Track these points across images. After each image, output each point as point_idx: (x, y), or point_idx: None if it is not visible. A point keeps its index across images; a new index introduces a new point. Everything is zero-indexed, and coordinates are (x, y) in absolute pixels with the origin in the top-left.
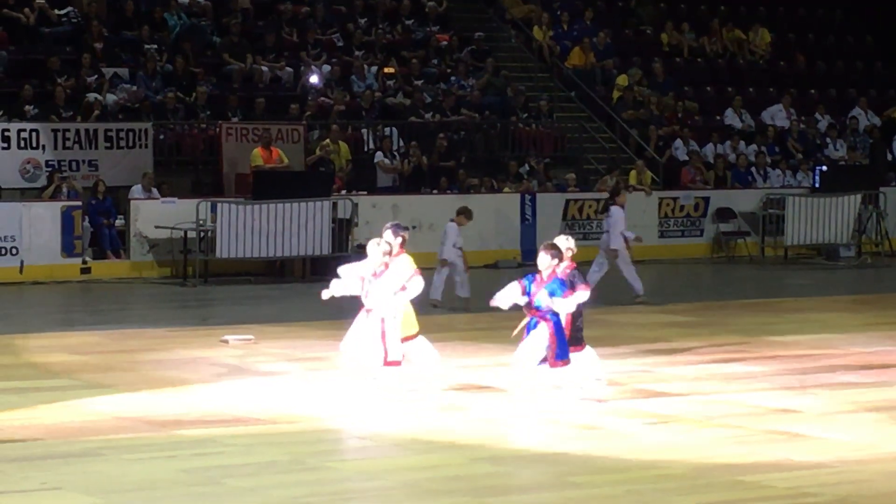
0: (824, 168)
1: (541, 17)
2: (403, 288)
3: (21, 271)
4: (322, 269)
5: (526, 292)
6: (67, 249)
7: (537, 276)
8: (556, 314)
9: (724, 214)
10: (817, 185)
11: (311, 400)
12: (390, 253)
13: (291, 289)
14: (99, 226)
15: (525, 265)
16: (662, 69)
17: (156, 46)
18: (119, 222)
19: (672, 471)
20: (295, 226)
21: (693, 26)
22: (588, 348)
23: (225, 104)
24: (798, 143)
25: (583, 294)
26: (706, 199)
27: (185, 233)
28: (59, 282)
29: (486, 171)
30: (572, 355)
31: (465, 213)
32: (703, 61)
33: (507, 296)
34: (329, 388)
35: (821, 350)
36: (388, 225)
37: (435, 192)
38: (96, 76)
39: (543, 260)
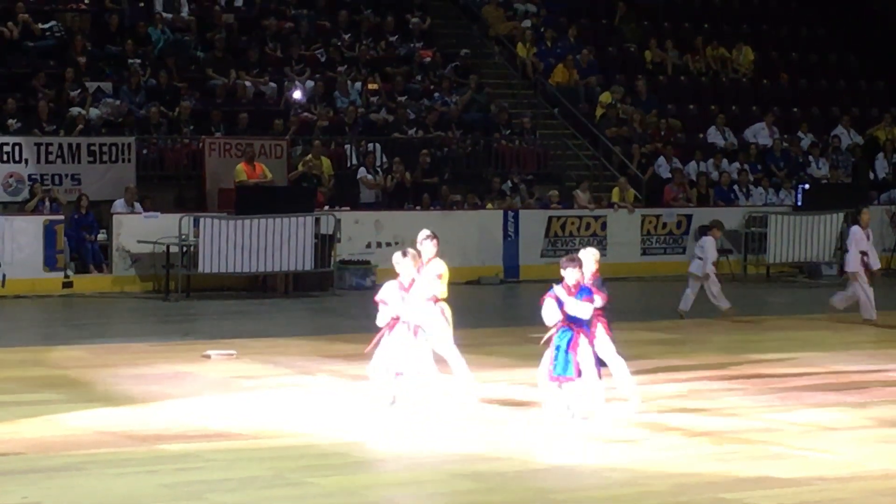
0: (807, 186)
1: (524, 34)
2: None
3: (3, 285)
4: (304, 285)
5: (559, 304)
6: (49, 263)
7: (565, 287)
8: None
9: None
10: (800, 204)
11: (294, 415)
12: (419, 259)
13: (274, 304)
14: (81, 240)
15: (507, 282)
16: (646, 87)
17: (139, 61)
18: (101, 236)
19: (653, 488)
20: (277, 241)
21: (676, 44)
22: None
23: (208, 119)
24: (780, 161)
25: (597, 300)
26: (689, 217)
27: (168, 247)
28: (41, 296)
29: (469, 188)
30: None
31: (718, 226)
32: (687, 79)
33: (552, 313)
34: (311, 403)
35: (802, 368)
36: (425, 235)
37: (418, 208)
38: (80, 90)
39: (572, 275)
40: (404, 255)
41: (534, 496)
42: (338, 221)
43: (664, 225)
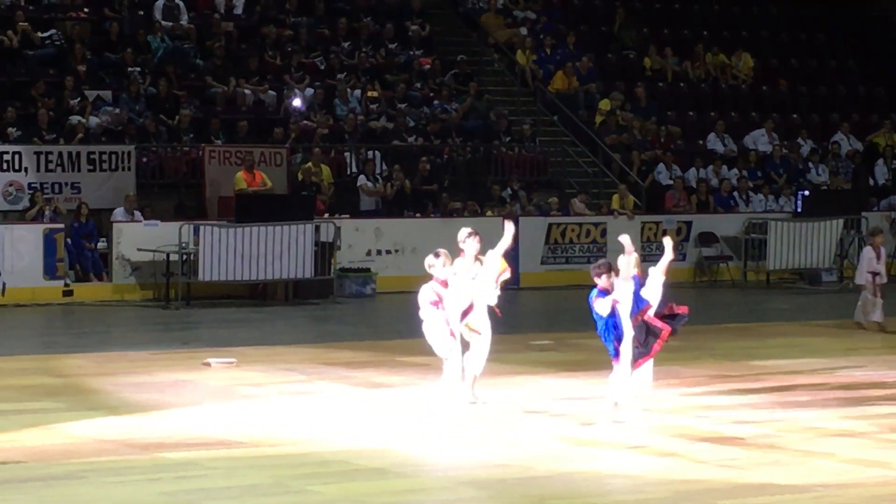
0: (807, 193)
1: (524, 41)
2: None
3: (3, 294)
4: (304, 293)
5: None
6: (50, 272)
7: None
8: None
9: (707, 239)
10: (800, 210)
11: (294, 423)
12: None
13: (274, 312)
14: (81, 248)
15: (507, 289)
16: (645, 94)
17: (139, 69)
18: (101, 245)
19: (654, 494)
20: (277, 249)
21: (676, 51)
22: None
23: (208, 127)
24: (780, 168)
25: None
26: (689, 224)
27: (168, 255)
28: (41, 304)
29: (468, 195)
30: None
31: (877, 232)
32: (686, 86)
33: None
34: (312, 411)
35: (803, 374)
36: (468, 233)
37: (418, 215)
38: (79, 99)
39: (605, 282)
40: (436, 255)
41: (533, 503)
42: (338, 229)
43: (664, 232)
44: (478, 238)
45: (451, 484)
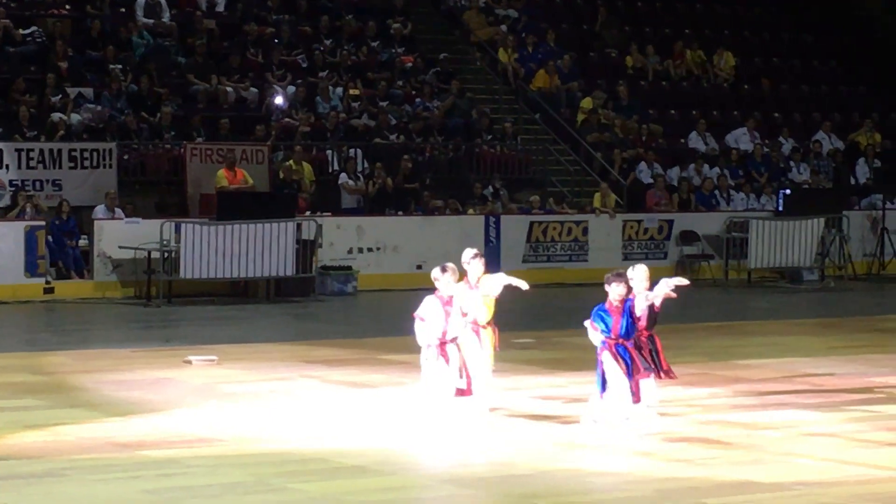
0: (788, 191)
1: (506, 39)
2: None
3: None
4: (286, 291)
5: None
6: (31, 269)
7: (609, 305)
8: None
9: (688, 237)
10: (781, 209)
11: (275, 421)
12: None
13: (255, 310)
14: (62, 246)
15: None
16: (627, 92)
17: (120, 66)
18: (83, 242)
19: (635, 493)
20: (259, 247)
21: (658, 50)
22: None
23: (189, 125)
24: (762, 166)
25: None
26: (670, 222)
27: (149, 253)
28: (22, 302)
29: (450, 193)
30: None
31: None
32: (668, 84)
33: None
34: (293, 409)
35: (784, 373)
36: (472, 254)
37: (400, 213)
38: (61, 96)
39: (616, 291)
40: (443, 270)
41: (515, 501)
42: (319, 227)
43: (646, 230)
44: (483, 261)
45: (432, 482)
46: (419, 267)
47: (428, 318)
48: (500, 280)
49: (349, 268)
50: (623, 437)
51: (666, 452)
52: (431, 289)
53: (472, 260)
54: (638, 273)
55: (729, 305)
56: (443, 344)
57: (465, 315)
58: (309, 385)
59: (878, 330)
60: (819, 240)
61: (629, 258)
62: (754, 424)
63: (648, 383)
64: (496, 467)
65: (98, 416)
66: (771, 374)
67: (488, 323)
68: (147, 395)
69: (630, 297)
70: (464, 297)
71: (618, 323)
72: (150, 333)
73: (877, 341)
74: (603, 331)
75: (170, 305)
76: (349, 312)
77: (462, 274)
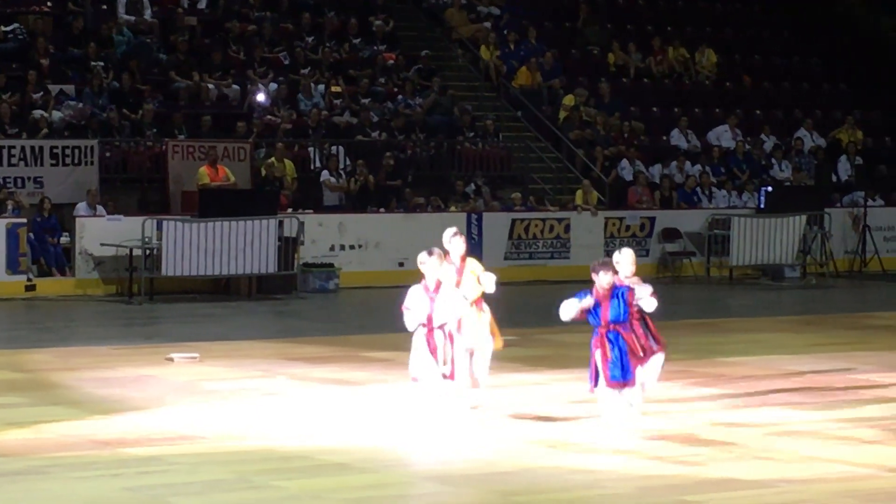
0: (770, 189)
1: (487, 36)
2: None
3: None
4: (268, 288)
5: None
6: (12, 266)
7: (595, 293)
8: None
9: (670, 235)
10: (763, 206)
11: (257, 418)
12: (445, 258)
13: (237, 307)
14: (44, 243)
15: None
16: (609, 89)
17: (102, 63)
18: (64, 239)
19: (616, 490)
20: (241, 244)
21: (639, 47)
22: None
23: (171, 122)
24: (743, 164)
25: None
26: (652, 220)
27: (131, 250)
28: (4, 299)
29: (432, 190)
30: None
31: None
32: (650, 82)
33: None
34: (275, 406)
35: (766, 370)
36: (453, 232)
37: (381, 210)
38: (42, 93)
39: (605, 279)
40: (430, 254)
41: (495, 498)
42: (301, 224)
43: (628, 227)
44: (463, 238)
45: (413, 479)
46: (401, 264)
47: (413, 307)
48: (492, 279)
49: (331, 265)
50: (605, 434)
51: (647, 450)
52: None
53: (452, 238)
54: (625, 257)
55: (711, 303)
56: (430, 331)
57: (466, 299)
58: (290, 383)
59: (860, 327)
60: (801, 237)
61: (611, 255)
62: (735, 422)
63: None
64: (478, 465)
65: (79, 414)
66: (752, 371)
67: (476, 301)
68: (129, 392)
69: (619, 284)
70: (451, 278)
71: (606, 310)
72: (132, 331)
73: (858, 338)
74: (595, 321)
75: (152, 303)
76: (331, 310)
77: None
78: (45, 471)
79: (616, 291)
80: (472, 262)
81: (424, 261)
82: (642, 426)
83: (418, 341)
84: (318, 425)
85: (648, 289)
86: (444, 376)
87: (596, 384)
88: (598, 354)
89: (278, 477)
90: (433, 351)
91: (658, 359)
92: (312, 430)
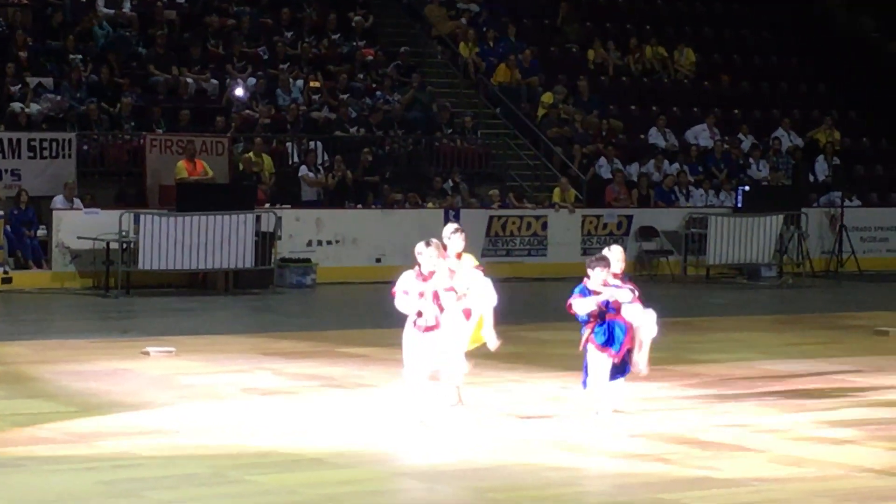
0: (747, 188)
1: (467, 33)
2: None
3: None
4: (245, 282)
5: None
6: None
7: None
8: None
9: (647, 233)
10: (740, 205)
11: (233, 413)
12: (443, 250)
13: (214, 301)
14: (21, 236)
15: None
16: (587, 87)
17: (81, 57)
18: (41, 232)
19: (591, 488)
20: (218, 238)
21: (618, 45)
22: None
23: (149, 115)
24: (721, 163)
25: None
26: (629, 218)
27: (108, 244)
28: None
29: (410, 187)
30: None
31: None
32: (628, 80)
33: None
34: (250, 401)
35: (741, 369)
36: (453, 228)
37: (359, 206)
38: (20, 86)
39: (599, 276)
40: (427, 244)
41: (471, 495)
42: (279, 219)
43: (605, 225)
44: (463, 235)
45: (388, 475)
46: (378, 260)
47: (402, 290)
48: (490, 301)
49: (308, 260)
50: (582, 433)
51: (624, 448)
52: (389, 282)
53: (452, 235)
54: (614, 253)
55: (687, 301)
56: (419, 315)
57: (463, 296)
58: (266, 378)
59: (836, 327)
60: (777, 237)
61: (588, 253)
62: (711, 420)
63: (618, 384)
64: (454, 461)
65: (54, 407)
66: (728, 370)
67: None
68: (104, 386)
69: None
70: (450, 273)
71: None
72: (108, 324)
73: (834, 338)
74: (585, 317)
75: (128, 296)
76: (308, 305)
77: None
78: (19, 464)
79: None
80: (468, 258)
81: (422, 251)
82: (621, 425)
83: (406, 338)
84: (293, 421)
85: (629, 295)
86: (428, 327)
87: (586, 386)
88: (585, 332)
89: (253, 472)
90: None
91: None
92: (288, 425)
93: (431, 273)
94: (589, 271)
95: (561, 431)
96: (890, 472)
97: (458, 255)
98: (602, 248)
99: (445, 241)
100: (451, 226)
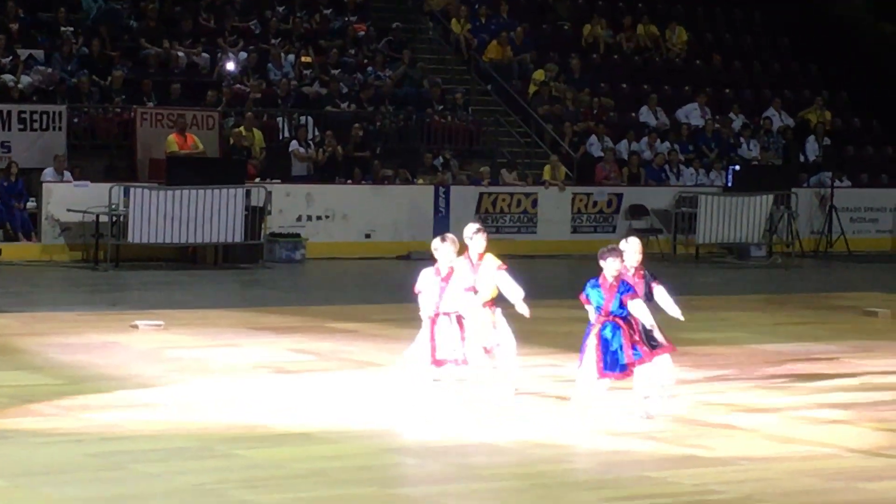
0: (737, 168)
1: (459, 9)
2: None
3: None
4: (234, 257)
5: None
6: None
7: (603, 281)
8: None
9: (637, 211)
10: (730, 185)
11: (221, 387)
12: (458, 244)
13: (203, 275)
14: (10, 208)
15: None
16: (579, 65)
17: (72, 29)
18: (31, 205)
19: (579, 465)
20: (208, 212)
21: (610, 23)
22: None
23: (140, 89)
24: (712, 142)
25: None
26: (619, 196)
27: (98, 217)
28: None
29: (400, 163)
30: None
31: None
32: (620, 58)
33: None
34: (239, 375)
35: (730, 349)
36: (475, 229)
37: (349, 181)
38: (11, 57)
39: (613, 266)
40: (443, 240)
41: (457, 471)
42: (269, 194)
43: (595, 203)
44: (485, 235)
45: (375, 450)
46: (368, 236)
47: (424, 291)
48: (518, 294)
49: (298, 235)
50: (571, 411)
51: (611, 427)
52: (379, 257)
53: (475, 235)
54: (631, 245)
55: (676, 280)
56: (436, 315)
57: (476, 293)
58: (255, 352)
59: (824, 307)
60: (767, 216)
61: (578, 231)
62: (700, 399)
63: (664, 360)
64: (441, 438)
65: (42, 380)
66: (716, 350)
67: (489, 302)
68: (92, 359)
69: (624, 274)
70: (469, 275)
71: (610, 302)
72: (97, 297)
73: (822, 318)
74: (596, 307)
75: (117, 270)
76: (297, 280)
77: (463, 247)
78: (6, 436)
79: (620, 288)
80: (490, 259)
81: (437, 247)
82: (608, 404)
83: (423, 327)
84: (282, 396)
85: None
86: (458, 362)
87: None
88: (590, 342)
89: (240, 446)
90: (433, 338)
91: (662, 361)
92: (277, 400)
93: (451, 271)
94: (601, 262)
95: (550, 409)
96: (878, 453)
97: (480, 256)
98: (591, 227)
99: (467, 241)
100: (473, 226)
